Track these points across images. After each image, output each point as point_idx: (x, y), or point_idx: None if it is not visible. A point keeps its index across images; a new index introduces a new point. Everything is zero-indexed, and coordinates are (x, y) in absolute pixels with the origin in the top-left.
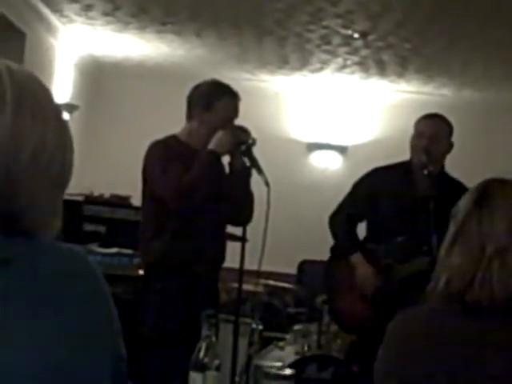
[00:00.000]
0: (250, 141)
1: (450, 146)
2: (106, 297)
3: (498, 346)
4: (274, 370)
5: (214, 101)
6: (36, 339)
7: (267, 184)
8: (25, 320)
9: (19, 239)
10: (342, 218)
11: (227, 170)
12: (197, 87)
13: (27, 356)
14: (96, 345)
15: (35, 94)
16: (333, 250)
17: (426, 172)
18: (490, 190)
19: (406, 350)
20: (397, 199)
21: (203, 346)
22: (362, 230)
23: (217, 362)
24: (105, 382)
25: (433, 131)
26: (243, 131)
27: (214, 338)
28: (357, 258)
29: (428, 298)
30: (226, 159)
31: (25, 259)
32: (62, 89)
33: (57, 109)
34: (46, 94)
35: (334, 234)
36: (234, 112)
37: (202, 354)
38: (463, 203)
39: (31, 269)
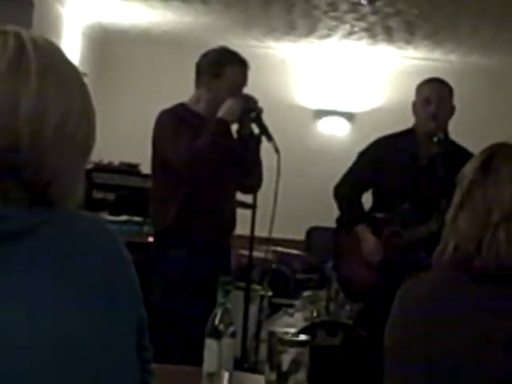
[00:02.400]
0: (257, 108)
1: (453, 109)
2: (128, 264)
3: (505, 314)
4: (289, 337)
5: (223, 68)
6: (61, 305)
7: (277, 151)
8: (50, 286)
9: (45, 208)
10: (347, 189)
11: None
12: (206, 54)
13: (53, 323)
14: (122, 310)
15: (59, 64)
16: (338, 220)
17: (435, 139)
18: (495, 156)
19: (413, 316)
20: (403, 167)
21: (218, 312)
22: (368, 198)
23: (232, 328)
24: (130, 347)
25: (438, 97)
26: (251, 99)
27: (228, 305)
28: (361, 228)
29: (435, 264)
30: (234, 127)
31: (51, 226)
32: (70, 57)
33: (80, 78)
34: (70, 64)
35: (340, 205)
36: (243, 79)
37: (217, 320)
38: (468, 169)
39: (57, 236)
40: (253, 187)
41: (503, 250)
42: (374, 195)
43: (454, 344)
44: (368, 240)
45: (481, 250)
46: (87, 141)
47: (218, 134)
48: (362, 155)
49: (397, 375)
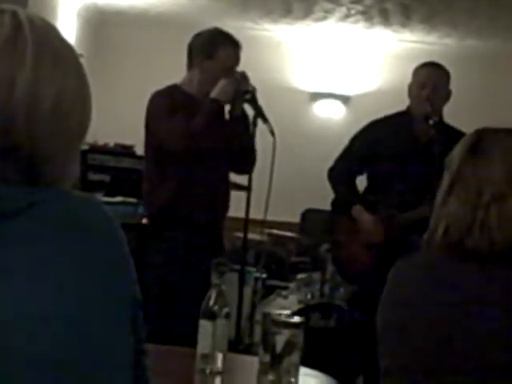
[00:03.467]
0: (250, 88)
1: (449, 93)
2: (122, 244)
3: (497, 293)
4: (283, 318)
5: (216, 49)
6: (62, 283)
7: (273, 133)
8: (50, 263)
9: (41, 187)
10: (341, 172)
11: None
12: (198, 35)
13: (53, 300)
14: (117, 290)
15: (55, 44)
16: (333, 204)
17: (431, 122)
18: (483, 136)
19: (405, 298)
20: (397, 149)
21: (213, 294)
22: (362, 181)
23: (226, 310)
24: (126, 326)
25: (434, 80)
26: (244, 78)
27: (223, 287)
28: (358, 210)
29: (425, 246)
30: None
31: (49, 205)
32: (65, 37)
33: (76, 58)
34: (66, 43)
35: (334, 189)
36: (236, 60)
37: (211, 302)
38: (457, 151)
39: (55, 213)
40: (246, 168)
41: (495, 230)
42: (369, 177)
43: (443, 324)
44: (367, 221)
45: (472, 231)
46: (82, 121)
47: (213, 115)
48: (357, 137)
49: (392, 357)
